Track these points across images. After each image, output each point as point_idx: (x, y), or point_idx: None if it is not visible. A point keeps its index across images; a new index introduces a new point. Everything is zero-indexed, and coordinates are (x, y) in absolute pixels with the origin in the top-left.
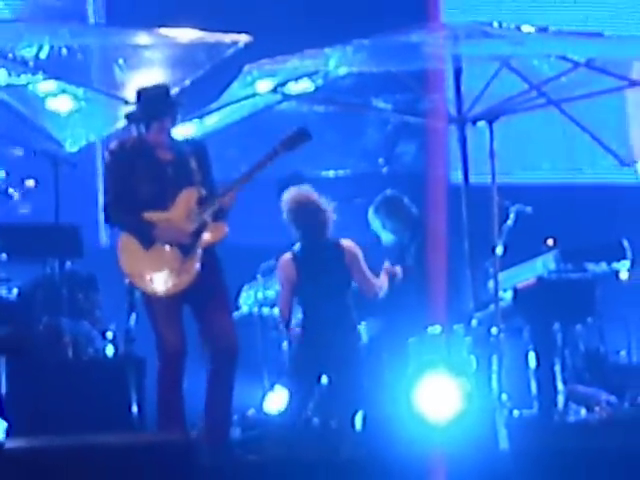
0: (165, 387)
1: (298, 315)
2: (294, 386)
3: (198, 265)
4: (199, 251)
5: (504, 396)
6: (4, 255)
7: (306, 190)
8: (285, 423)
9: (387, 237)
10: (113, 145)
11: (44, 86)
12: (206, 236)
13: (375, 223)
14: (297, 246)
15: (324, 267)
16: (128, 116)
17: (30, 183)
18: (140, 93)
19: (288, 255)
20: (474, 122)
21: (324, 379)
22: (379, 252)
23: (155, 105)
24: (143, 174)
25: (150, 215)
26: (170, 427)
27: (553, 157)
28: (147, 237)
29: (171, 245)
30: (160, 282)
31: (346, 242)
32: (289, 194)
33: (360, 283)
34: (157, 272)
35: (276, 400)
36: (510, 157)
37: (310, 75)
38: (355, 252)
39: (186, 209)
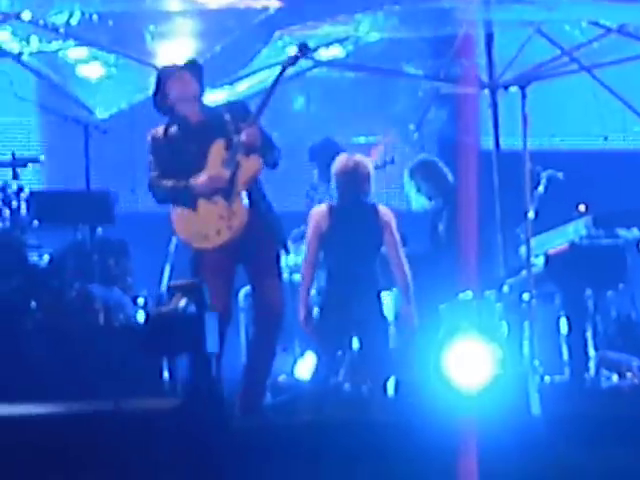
0: None
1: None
2: (320, 349)
3: (245, 206)
4: (242, 192)
5: (536, 362)
6: (35, 222)
7: (354, 156)
8: (315, 388)
9: (420, 202)
10: (155, 131)
11: (75, 53)
12: (242, 174)
13: (409, 186)
14: (334, 201)
15: (357, 224)
16: (155, 100)
17: (42, 158)
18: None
19: (323, 206)
20: (506, 88)
21: (355, 343)
22: (410, 219)
23: (171, 65)
24: (181, 145)
25: (192, 180)
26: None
27: (584, 123)
28: (188, 198)
29: (212, 196)
30: (214, 234)
31: (382, 207)
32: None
33: (390, 249)
34: (209, 225)
35: (307, 366)
36: (541, 123)
37: (341, 41)
38: (389, 217)
39: (218, 160)
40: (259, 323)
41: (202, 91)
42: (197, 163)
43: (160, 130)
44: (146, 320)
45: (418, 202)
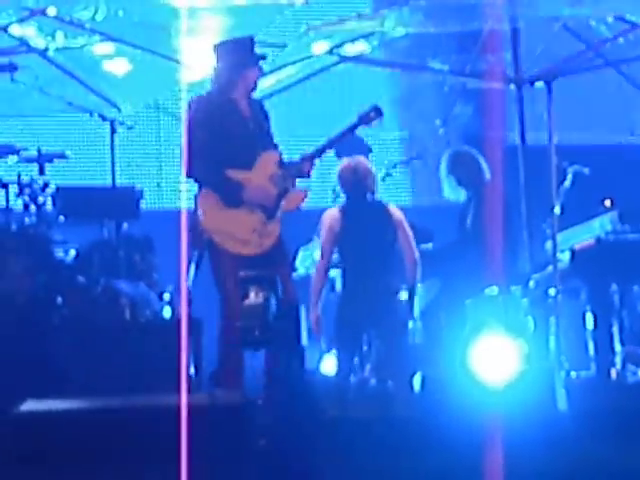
0: (227, 344)
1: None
2: (338, 346)
3: (279, 228)
4: (280, 215)
5: (562, 357)
6: (61, 217)
7: (356, 158)
8: (341, 384)
9: (456, 192)
10: (197, 98)
11: (100, 48)
12: (287, 202)
13: (445, 175)
14: (343, 202)
15: (370, 224)
16: (214, 70)
17: (68, 153)
18: (222, 45)
19: (334, 208)
20: (532, 83)
21: (376, 340)
22: (437, 214)
23: (249, 52)
24: (226, 129)
25: (232, 174)
26: (229, 383)
27: (610, 118)
28: (234, 196)
29: (255, 206)
30: (241, 242)
31: (392, 206)
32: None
33: (404, 247)
34: (240, 231)
35: (333, 362)
36: (567, 118)
37: (366, 36)
38: (400, 216)
39: (268, 171)
40: None
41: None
42: (240, 158)
43: (204, 103)
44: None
45: (454, 192)
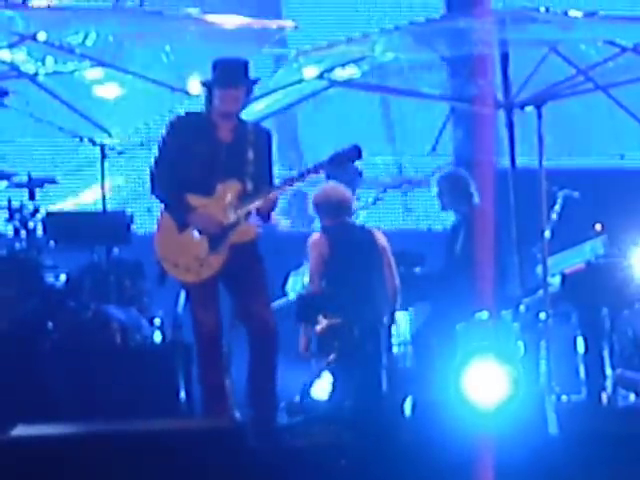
0: (205, 370)
1: None
2: (335, 371)
3: (222, 261)
4: (226, 247)
5: (552, 382)
6: (52, 242)
7: (330, 184)
8: (332, 408)
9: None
10: (176, 118)
11: (91, 73)
12: (236, 234)
13: (437, 198)
14: (326, 225)
15: (356, 246)
16: (204, 83)
17: (57, 178)
18: (218, 62)
19: (317, 234)
20: (522, 107)
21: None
22: (427, 239)
23: (229, 73)
24: (197, 151)
25: (191, 198)
26: (215, 410)
27: (600, 142)
28: (182, 220)
29: (201, 233)
30: (182, 269)
31: (377, 231)
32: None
33: (387, 273)
34: (182, 258)
35: (323, 386)
36: (557, 142)
37: (356, 61)
38: (385, 243)
39: (225, 201)
40: (254, 346)
41: (245, 106)
42: (204, 184)
43: (181, 123)
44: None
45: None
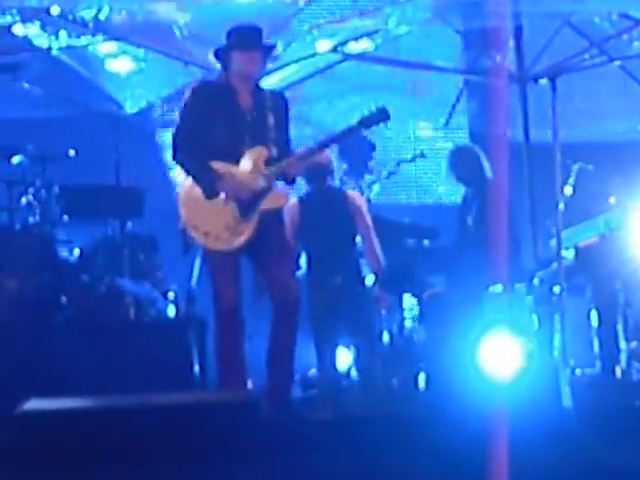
0: (223, 342)
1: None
2: (317, 339)
3: (253, 229)
4: (257, 214)
5: (567, 355)
6: (65, 217)
7: None
8: (347, 381)
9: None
10: (196, 84)
11: (104, 47)
12: (266, 201)
13: (448, 171)
14: (303, 192)
15: (327, 213)
16: (217, 51)
17: (71, 153)
18: (233, 28)
19: (293, 200)
20: (536, 80)
21: (385, 336)
22: (439, 212)
23: (247, 37)
24: (220, 118)
25: (217, 165)
26: (230, 382)
27: (614, 115)
28: (211, 187)
29: (232, 202)
30: (213, 237)
31: (351, 192)
32: None
33: (362, 233)
34: (212, 226)
35: (338, 360)
36: (571, 115)
37: (370, 34)
38: (360, 202)
39: (253, 167)
40: (276, 313)
41: (262, 72)
42: (230, 151)
43: (202, 90)
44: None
45: (455, 188)
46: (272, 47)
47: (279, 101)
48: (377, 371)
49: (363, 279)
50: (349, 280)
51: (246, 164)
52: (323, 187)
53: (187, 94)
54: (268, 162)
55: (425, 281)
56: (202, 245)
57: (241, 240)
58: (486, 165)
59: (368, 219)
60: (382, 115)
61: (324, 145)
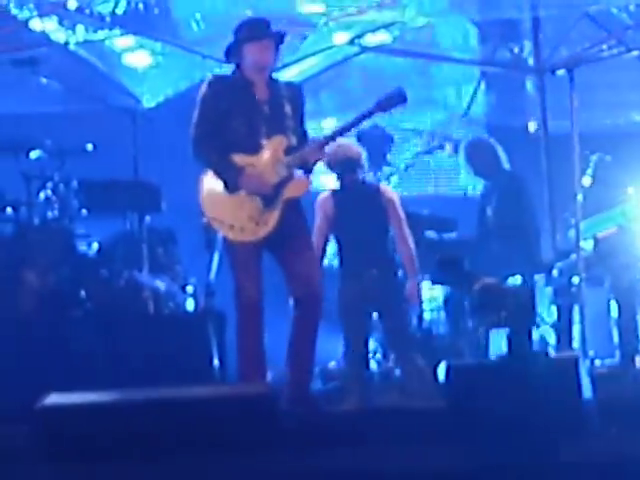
0: (243, 335)
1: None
2: (346, 326)
3: (277, 218)
4: (280, 203)
5: (586, 346)
6: (84, 211)
7: (344, 141)
8: (364, 374)
9: (471, 180)
10: (212, 77)
11: (121, 41)
12: (289, 189)
13: (464, 165)
14: (335, 185)
15: (360, 206)
16: (228, 49)
17: (89, 147)
18: (241, 23)
19: (326, 192)
20: (553, 71)
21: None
22: (459, 204)
23: (256, 27)
24: (237, 110)
25: (237, 158)
26: (250, 376)
27: (632, 105)
28: (232, 181)
29: (255, 193)
30: (238, 229)
31: (384, 186)
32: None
33: (394, 226)
34: (237, 219)
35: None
36: (589, 105)
37: (387, 26)
38: (392, 196)
39: (273, 157)
40: (298, 307)
41: (276, 62)
42: (248, 142)
43: (218, 83)
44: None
45: (472, 181)
46: (283, 35)
47: (295, 92)
48: (412, 362)
49: (397, 272)
50: (384, 272)
51: (266, 154)
52: (355, 180)
53: (203, 88)
54: (288, 151)
55: (475, 272)
56: (227, 238)
57: (266, 230)
58: (503, 156)
59: (400, 212)
60: (399, 97)
61: (344, 130)
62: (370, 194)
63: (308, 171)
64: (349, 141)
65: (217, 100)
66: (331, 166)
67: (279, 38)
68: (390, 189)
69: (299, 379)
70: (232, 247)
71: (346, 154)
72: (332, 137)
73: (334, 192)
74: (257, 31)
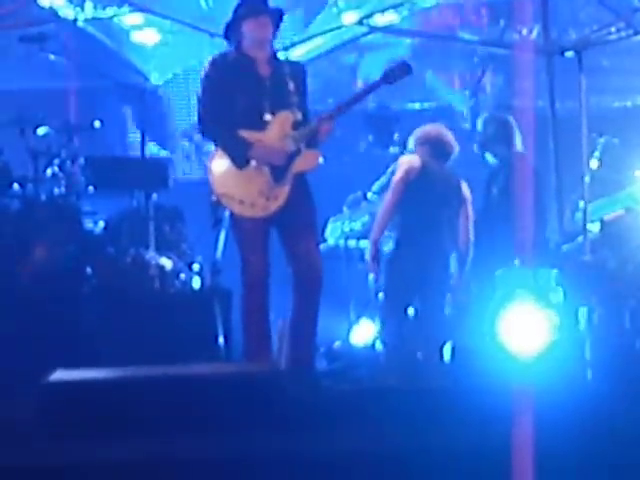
0: (250, 313)
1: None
2: (389, 305)
3: (288, 192)
4: (290, 178)
5: (592, 328)
6: (91, 188)
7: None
8: (371, 354)
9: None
10: (215, 56)
11: (130, 19)
12: (298, 163)
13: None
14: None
15: (442, 190)
16: (226, 28)
17: (97, 124)
18: (237, 4)
19: (416, 157)
20: (562, 53)
21: (410, 310)
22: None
23: (253, 4)
24: (240, 86)
25: (244, 134)
26: (256, 353)
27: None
28: (242, 156)
29: (264, 167)
30: (248, 205)
31: (464, 183)
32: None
33: (464, 223)
34: (247, 194)
35: (362, 333)
36: (597, 89)
37: (396, 7)
38: (468, 195)
39: (281, 132)
40: (299, 287)
41: (275, 38)
42: (254, 118)
43: (221, 61)
44: None
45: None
46: (280, 11)
47: (298, 70)
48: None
49: (449, 263)
50: (439, 260)
51: (273, 129)
52: (443, 166)
53: (206, 67)
54: (295, 126)
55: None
56: (236, 215)
57: (277, 205)
58: (518, 138)
59: (471, 213)
60: (404, 68)
61: (352, 102)
62: (453, 185)
63: (315, 145)
64: (449, 133)
65: (220, 78)
66: (430, 144)
67: (277, 15)
68: (467, 189)
69: (302, 358)
70: (240, 224)
71: (450, 142)
72: (339, 111)
73: (423, 163)
74: (255, 8)
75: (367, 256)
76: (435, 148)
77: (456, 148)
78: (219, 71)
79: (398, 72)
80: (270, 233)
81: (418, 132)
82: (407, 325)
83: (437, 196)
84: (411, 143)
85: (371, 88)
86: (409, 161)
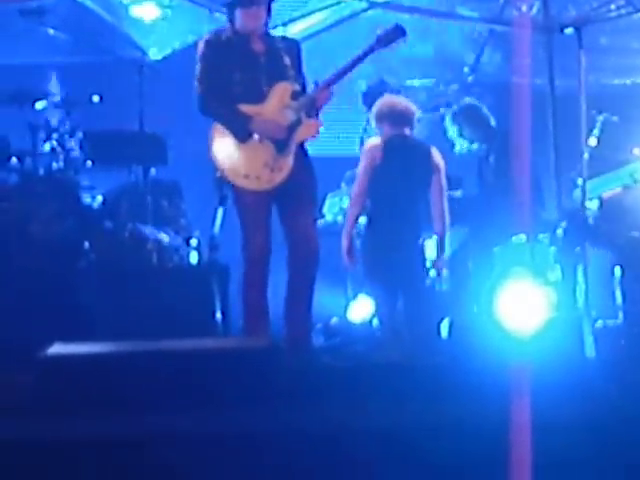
0: (250, 288)
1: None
2: (373, 285)
3: (291, 162)
4: (293, 148)
5: (589, 306)
6: (89, 162)
7: (396, 96)
8: (369, 330)
9: (462, 145)
10: (208, 36)
11: None
12: (300, 132)
13: (452, 130)
14: (384, 136)
15: (409, 160)
16: (225, 6)
17: (95, 99)
18: None
19: (377, 139)
20: (561, 30)
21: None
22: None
23: None
24: (235, 63)
25: (243, 108)
26: (255, 329)
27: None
28: (243, 130)
29: (266, 140)
30: (253, 178)
31: (435, 150)
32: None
33: (435, 193)
34: (251, 168)
35: (359, 309)
36: (597, 67)
37: None
38: (440, 162)
39: (280, 103)
40: (295, 262)
41: (267, 22)
42: (252, 92)
43: (216, 39)
44: None
45: (461, 145)
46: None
47: (292, 45)
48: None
49: (421, 233)
50: (413, 231)
51: (272, 101)
52: (407, 136)
53: (201, 45)
54: (294, 96)
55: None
56: (238, 189)
57: (282, 176)
58: (489, 115)
59: (444, 181)
60: (398, 31)
61: (349, 68)
62: (420, 153)
63: (315, 114)
64: (404, 98)
65: (215, 55)
66: (386, 117)
67: (270, 2)
68: (439, 154)
69: (298, 334)
70: (243, 199)
71: (405, 108)
72: (337, 77)
73: (385, 142)
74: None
75: (342, 251)
76: (393, 119)
77: (416, 112)
78: (213, 49)
79: (392, 35)
80: (272, 210)
81: (373, 110)
82: (394, 302)
83: (402, 170)
84: (372, 124)
85: (365, 53)
86: (370, 148)
